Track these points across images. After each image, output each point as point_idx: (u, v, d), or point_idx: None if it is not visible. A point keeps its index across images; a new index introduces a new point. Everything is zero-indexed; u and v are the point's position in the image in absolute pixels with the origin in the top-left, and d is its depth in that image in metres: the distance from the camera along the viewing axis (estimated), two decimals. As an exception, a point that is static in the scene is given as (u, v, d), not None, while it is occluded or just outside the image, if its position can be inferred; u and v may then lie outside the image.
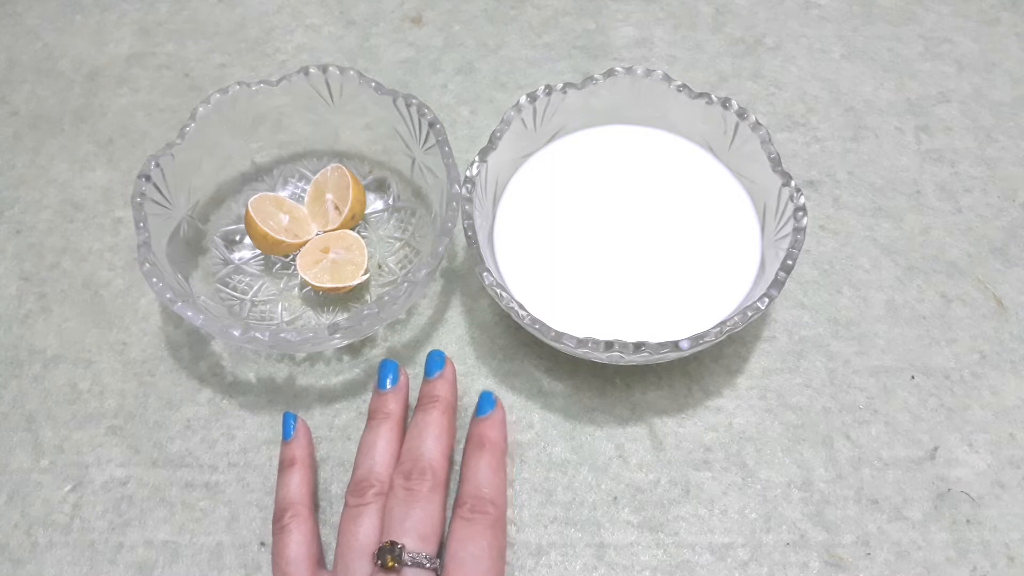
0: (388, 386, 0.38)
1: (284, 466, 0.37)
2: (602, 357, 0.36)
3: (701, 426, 0.40)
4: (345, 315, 0.40)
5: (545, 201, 0.42)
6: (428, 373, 0.39)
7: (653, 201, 0.42)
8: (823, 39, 0.52)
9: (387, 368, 0.39)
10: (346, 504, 0.35)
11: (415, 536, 0.33)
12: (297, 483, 0.36)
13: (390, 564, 0.32)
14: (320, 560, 0.35)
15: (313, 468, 0.38)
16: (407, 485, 0.34)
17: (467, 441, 0.37)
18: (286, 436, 0.38)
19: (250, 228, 0.42)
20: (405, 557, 0.32)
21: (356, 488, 0.35)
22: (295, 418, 0.39)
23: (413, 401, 0.40)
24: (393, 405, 0.38)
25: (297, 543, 0.34)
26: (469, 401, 0.40)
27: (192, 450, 0.40)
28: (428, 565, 0.32)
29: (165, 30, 0.54)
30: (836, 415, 0.40)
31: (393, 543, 0.32)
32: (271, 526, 0.37)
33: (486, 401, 0.38)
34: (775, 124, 0.49)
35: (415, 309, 0.43)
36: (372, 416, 0.38)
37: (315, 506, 0.37)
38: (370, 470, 0.35)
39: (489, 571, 0.33)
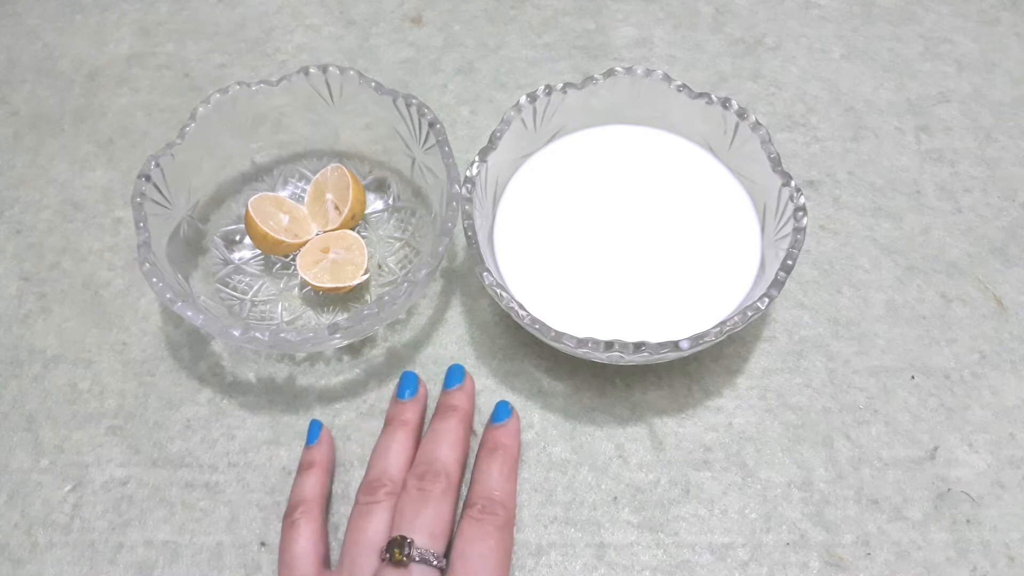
0: (407, 396, 0.39)
1: (303, 468, 0.37)
2: (602, 357, 0.36)
3: (701, 426, 0.40)
4: (345, 315, 0.40)
5: (545, 201, 0.42)
6: (447, 385, 0.39)
7: (653, 201, 0.42)
8: (823, 39, 0.52)
9: (408, 379, 0.39)
10: (356, 502, 0.35)
11: (425, 534, 0.33)
12: (312, 484, 0.37)
13: (398, 557, 0.32)
14: (325, 560, 0.35)
15: (331, 475, 0.38)
16: (420, 485, 0.34)
17: (480, 446, 0.37)
18: (310, 441, 0.38)
19: (250, 228, 0.42)
20: (413, 552, 0.32)
21: (368, 487, 0.35)
22: (321, 425, 0.39)
23: (430, 414, 0.40)
24: (410, 414, 0.38)
25: (305, 539, 0.35)
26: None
27: (192, 450, 0.40)
28: (435, 563, 0.32)
29: (165, 30, 0.54)
30: (836, 415, 0.40)
31: (403, 537, 0.32)
32: (274, 525, 0.37)
33: (503, 410, 0.39)
34: (775, 124, 0.49)
35: (415, 309, 0.43)
36: (388, 423, 0.38)
37: (327, 510, 0.37)
38: (383, 471, 0.36)
39: (495, 571, 0.33)
